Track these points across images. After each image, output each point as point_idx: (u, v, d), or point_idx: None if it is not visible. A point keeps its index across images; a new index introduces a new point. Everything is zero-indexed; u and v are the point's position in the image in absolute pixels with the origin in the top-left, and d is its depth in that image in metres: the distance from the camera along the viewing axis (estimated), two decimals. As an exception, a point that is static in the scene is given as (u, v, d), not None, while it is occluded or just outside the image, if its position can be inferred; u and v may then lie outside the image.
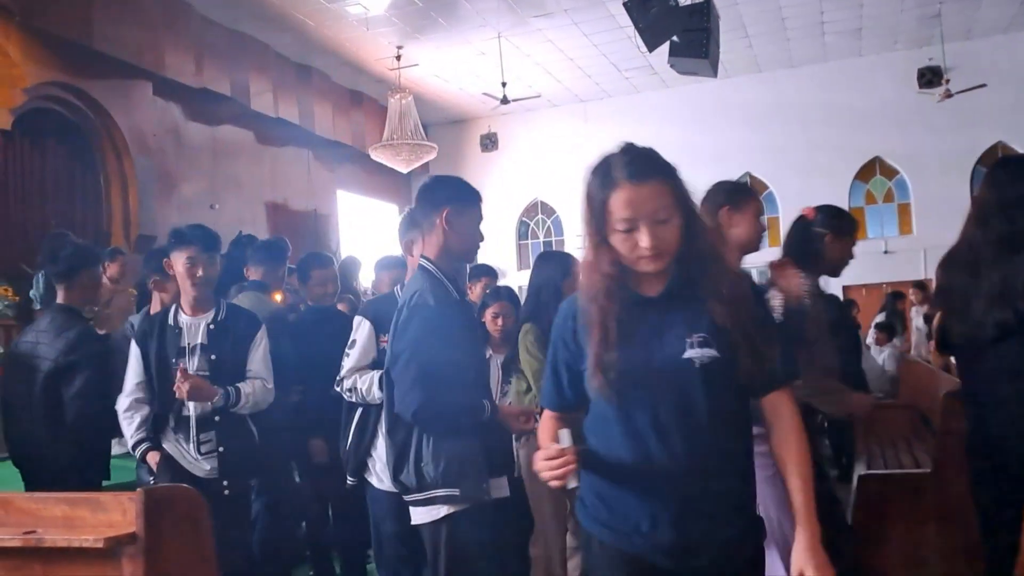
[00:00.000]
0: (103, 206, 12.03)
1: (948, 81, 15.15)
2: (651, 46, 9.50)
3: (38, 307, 7.69)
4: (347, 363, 4.38)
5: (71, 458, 4.45)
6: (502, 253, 17.82)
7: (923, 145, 16.07)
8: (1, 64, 10.23)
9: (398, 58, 14.68)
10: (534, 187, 19.12)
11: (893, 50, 16.27)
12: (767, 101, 16.99)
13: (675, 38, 9.52)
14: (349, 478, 4.48)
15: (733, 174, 17.43)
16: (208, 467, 4.23)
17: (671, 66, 10.09)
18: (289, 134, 15.36)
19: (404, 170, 15.47)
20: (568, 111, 18.59)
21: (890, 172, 16.84)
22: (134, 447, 4.28)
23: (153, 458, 4.21)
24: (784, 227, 16.94)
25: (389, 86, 15.22)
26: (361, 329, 4.40)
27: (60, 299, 4.73)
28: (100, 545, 2.38)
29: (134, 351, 4.35)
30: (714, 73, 10.12)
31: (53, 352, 4.52)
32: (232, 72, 13.58)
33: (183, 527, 2.56)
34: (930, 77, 15.75)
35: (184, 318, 4.37)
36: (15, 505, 2.72)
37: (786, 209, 17.17)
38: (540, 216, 19.50)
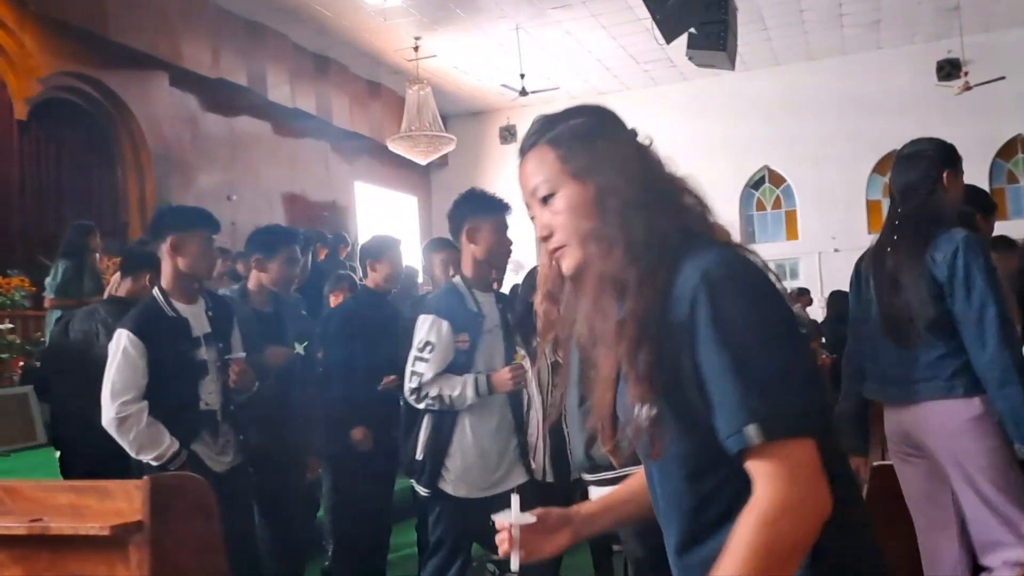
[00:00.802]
0: (120, 197, 12.07)
1: (967, 74, 15.03)
2: (669, 38, 9.43)
3: (53, 296, 7.69)
4: (425, 368, 4.00)
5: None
6: (523, 246, 17.73)
7: (942, 138, 15.90)
8: (17, 54, 10.27)
9: (416, 49, 14.65)
10: (553, 180, 19.04)
11: (912, 42, 16.15)
12: (785, 94, 16.90)
13: (693, 30, 9.45)
14: (423, 489, 4.14)
15: (751, 167, 17.45)
16: (227, 460, 4.07)
17: (689, 58, 10.02)
18: (307, 125, 15.36)
19: (423, 162, 15.44)
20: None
21: (909, 165, 16.70)
22: (172, 459, 3.79)
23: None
24: (803, 220, 16.89)
25: (407, 77, 15.20)
26: (436, 329, 4.04)
27: (122, 292, 4.95)
28: (106, 533, 2.37)
29: (134, 347, 3.83)
30: (732, 66, 10.06)
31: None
32: (249, 63, 13.59)
33: (190, 515, 2.55)
34: (949, 70, 15.61)
35: (183, 307, 4.05)
36: (21, 493, 2.72)
37: (803, 202, 17.12)
38: (559, 209, 19.42)
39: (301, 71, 14.89)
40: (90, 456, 4.41)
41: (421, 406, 4.07)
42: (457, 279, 4.20)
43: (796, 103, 16.82)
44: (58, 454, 5.10)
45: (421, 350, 4.02)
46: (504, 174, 19.43)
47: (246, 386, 4.14)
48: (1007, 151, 15.96)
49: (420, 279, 8.36)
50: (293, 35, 14.47)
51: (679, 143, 19.61)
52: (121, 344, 3.83)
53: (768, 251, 17.64)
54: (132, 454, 3.79)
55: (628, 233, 1.56)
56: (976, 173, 15.28)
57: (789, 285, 16.20)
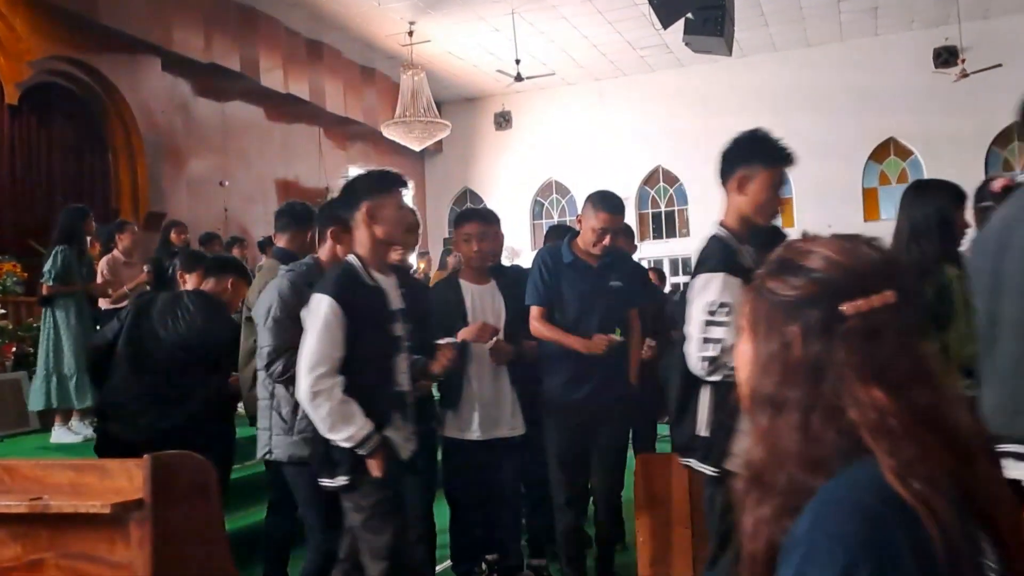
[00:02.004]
0: (111, 182, 11.99)
1: (964, 61, 15.02)
2: (666, 23, 9.38)
3: (51, 283, 7.58)
4: (724, 333, 3.33)
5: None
6: (516, 233, 17.71)
7: (938, 125, 15.90)
8: (7, 38, 10.17)
9: (410, 34, 14.58)
10: (548, 166, 19.05)
11: (909, 29, 16.13)
12: (782, 81, 16.87)
13: (690, 15, 9.39)
14: (710, 468, 3.56)
15: (747, 154, 17.39)
16: (411, 448, 3.79)
17: (686, 44, 9.96)
18: (300, 111, 15.30)
19: (417, 148, 15.41)
20: (582, 90, 18.50)
21: (904, 152, 16.70)
22: (364, 441, 3.50)
23: (378, 462, 3.56)
24: (798, 207, 16.86)
25: (401, 62, 15.14)
26: (729, 289, 3.43)
27: (208, 288, 5.02)
28: (107, 511, 2.32)
29: (335, 316, 3.53)
30: (729, 51, 10.00)
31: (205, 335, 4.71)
32: (242, 47, 13.50)
33: (190, 493, 2.50)
34: (946, 57, 15.61)
35: (380, 278, 3.73)
36: (21, 472, 2.66)
37: (799, 189, 17.09)
38: (555, 196, 19.40)
39: (294, 56, 14.80)
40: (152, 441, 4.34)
41: (717, 378, 3.45)
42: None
43: (793, 90, 16.78)
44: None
45: (713, 313, 3.40)
46: (499, 160, 19.42)
47: (444, 374, 4.03)
48: (1003, 139, 15.93)
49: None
50: (286, 20, 14.38)
51: (674, 130, 19.61)
52: (322, 311, 3.51)
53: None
54: (323, 432, 3.53)
55: None
56: (972, 161, 15.31)
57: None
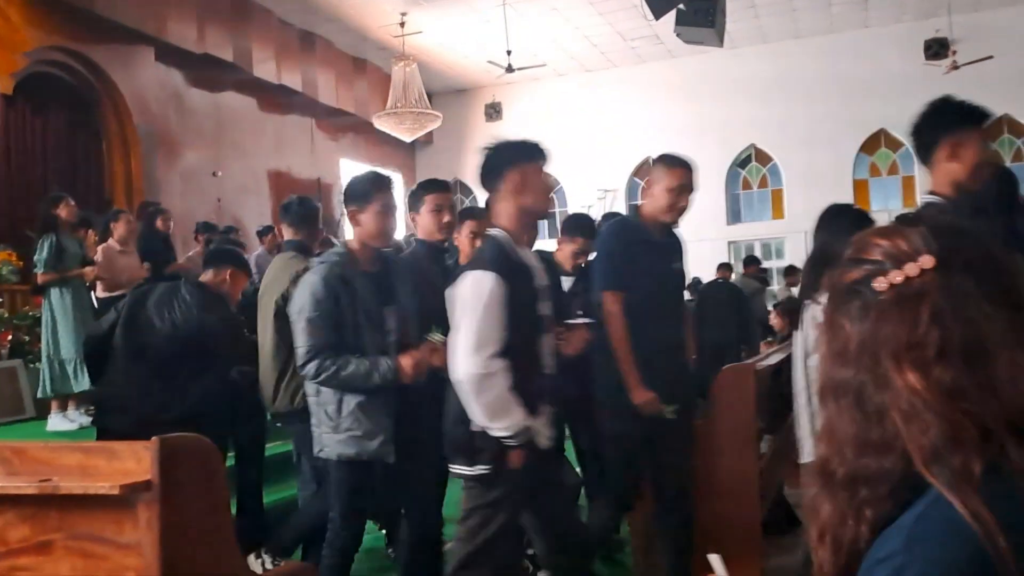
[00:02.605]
0: (105, 172, 12.02)
1: (955, 53, 15.08)
2: (658, 14, 9.43)
3: (43, 272, 7.63)
4: None
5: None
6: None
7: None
8: (2, 28, 10.19)
9: (402, 25, 14.61)
10: (538, 158, 19.04)
11: (900, 21, 16.19)
12: (773, 72, 16.92)
13: (681, 6, 9.44)
14: None
15: (738, 145, 17.47)
16: (548, 435, 3.49)
17: (677, 35, 10.01)
18: (292, 101, 15.34)
19: (408, 139, 15.43)
20: (573, 81, 18.53)
21: (895, 144, 16.75)
22: (520, 433, 3.25)
23: (521, 453, 3.30)
24: (789, 199, 16.89)
25: (393, 54, 15.16)
26: None
27: (206, 279, 5.01)
28: (116, 492, 2.36)
29: (500, 291, 3.25)
30: (720, 43, 10.05)
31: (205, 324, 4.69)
32: (235, 38, 13.52)
33: (197, 476, 2.54)
34: (937, 49, 15.68)
35: (525, 253, 3.49)
36: (30, 454, 2.70)
37: (790, 181, 17.15)
38: (543, 187, 19.41)
39: (287, 47, 14.82)
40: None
41: None
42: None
43: (784, 82, 16.85)
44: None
45: None
46: (490, 152, 19.40)
47: (574, 354, 3.79)
48: (993, 131, 15.98)
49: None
50: (279, 11, 14.40)
51: (665, 121, 19.59)
52: (487, 287, 3.23)
53: (753, 230, 17.73)
54: (480, 419, 3.23)
55: None
56: (962, 152, 15.29)
57: (774, 264, 16.27)
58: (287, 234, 5.26)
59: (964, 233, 1.18)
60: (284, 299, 4.61)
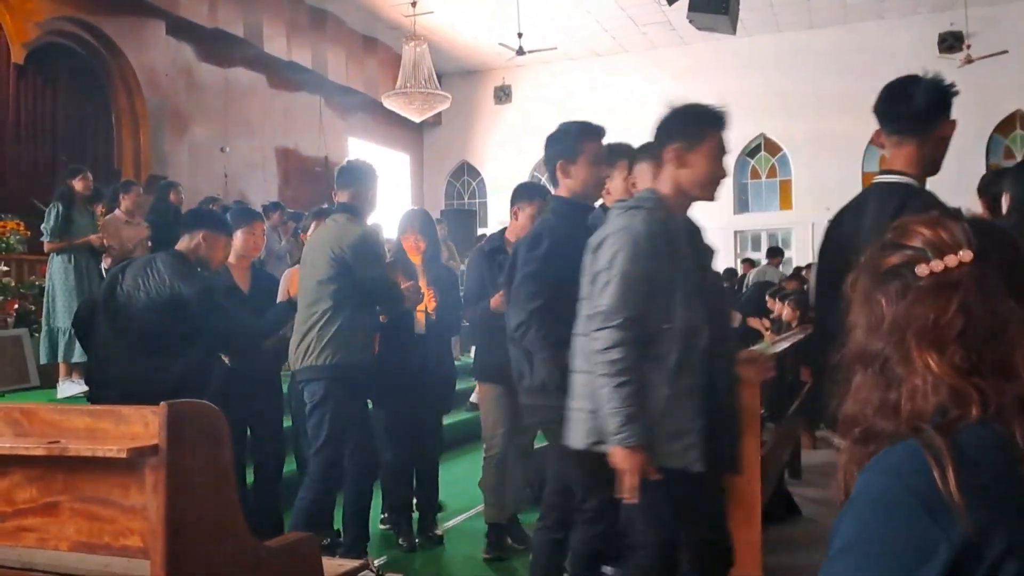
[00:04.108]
0: (114, 144, 12.03)
1: (969, 47, 14.99)
2: (671, -1, 9.41)
3: (49, 240, 7.70)
4: None
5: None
6: (512, 207, 17.70)
7: (940, 111, 15.91)
8: (15, -2, 10.19)
9: (414, 4, 14.56)
10: (547, 142, 19.03)
11: (915, 13, 16.12)
12: (785, 62, 16.88)
13: (696, -9, 9.42)
14: None
15: (747, 135, 17.40)
16: None
17: (690, 21, 9.98)
18: (302, 79, 15.30)
19: (417, 119, 15.39)
20: (584, 65, 18.47)
21: (905, 137, 16.67)
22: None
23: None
24: (797, 190, 16.78)
25: (404, 33, 15.11)
26: None
27: (181, 246, 4.77)
28: (123, 455, 2.36)
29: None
30: (733, 30, 10.02)
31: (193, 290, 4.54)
32: (246, 13, 13.50)
33: (203, 441, 2.54)
34: (951, 42, 15.61)
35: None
36: (38, 416, 2.71)
37: (798, 171, 17.11)
38: (552, 171, 19.41)
39: (297, 23, 14.80)
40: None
41: None
42: None
43: (795, 71, 16.80)
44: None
45: None
46: (498, 134, 19.39)
47: None
48: (1005, 127, 15.95)
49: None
50: (291, -13, 14.37)
51: (674, 106, 19.57)
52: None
53: (761, 220, 17.70)
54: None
55: None
56: (973, 149, 15.29)
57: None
58: (341, 197, 5.12)
59: (1000, 232, 1.28)
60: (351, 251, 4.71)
